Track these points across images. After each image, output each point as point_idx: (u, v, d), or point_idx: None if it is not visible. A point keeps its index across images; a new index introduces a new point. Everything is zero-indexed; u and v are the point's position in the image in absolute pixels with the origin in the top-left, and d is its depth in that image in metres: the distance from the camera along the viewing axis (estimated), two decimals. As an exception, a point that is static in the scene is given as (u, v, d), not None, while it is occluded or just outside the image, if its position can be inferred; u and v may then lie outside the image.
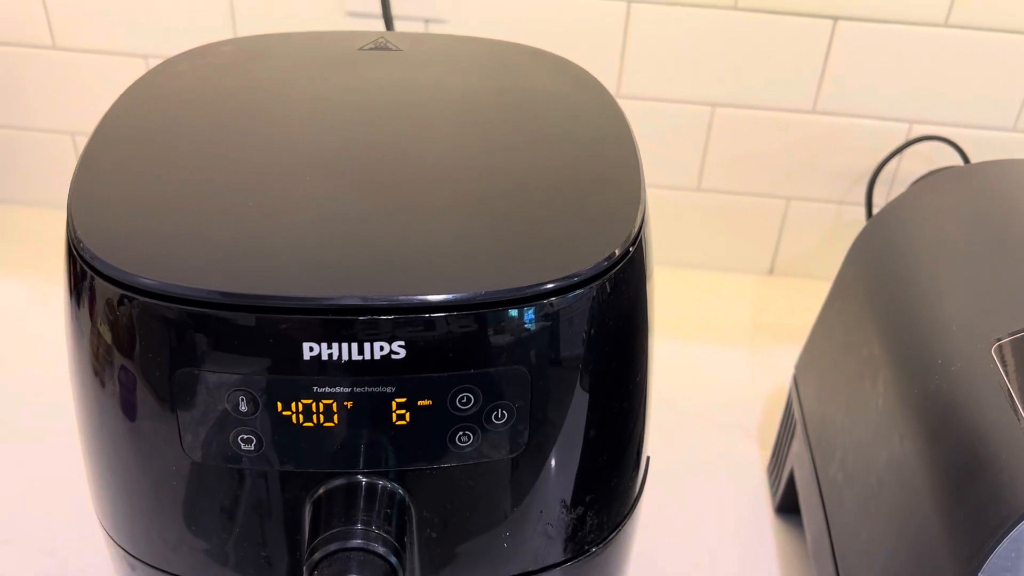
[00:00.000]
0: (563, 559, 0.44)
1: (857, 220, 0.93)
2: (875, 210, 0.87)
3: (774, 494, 0.74)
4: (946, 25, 0.83)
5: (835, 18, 0.83)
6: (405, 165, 0.44)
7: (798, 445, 0.67)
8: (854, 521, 0.54)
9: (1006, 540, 0.40)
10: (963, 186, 0.61)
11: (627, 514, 0.46)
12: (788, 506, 0.71)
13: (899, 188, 0.90)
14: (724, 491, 0.75)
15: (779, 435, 0.74)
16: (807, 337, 0.70)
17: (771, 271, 1.00)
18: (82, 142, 0.96)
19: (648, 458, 0.48)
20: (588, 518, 0.44)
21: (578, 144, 0.47)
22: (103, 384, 0.39)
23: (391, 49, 0.54)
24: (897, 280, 0.57)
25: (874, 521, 0.51)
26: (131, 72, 0.46)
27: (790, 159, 0.92)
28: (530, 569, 0.44)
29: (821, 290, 0.70)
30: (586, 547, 0.45)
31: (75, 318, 0.39)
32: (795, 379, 0.70)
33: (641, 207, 0.42)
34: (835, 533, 0.57)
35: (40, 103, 0.95)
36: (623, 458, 0.44)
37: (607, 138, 0.48)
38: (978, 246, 0.54)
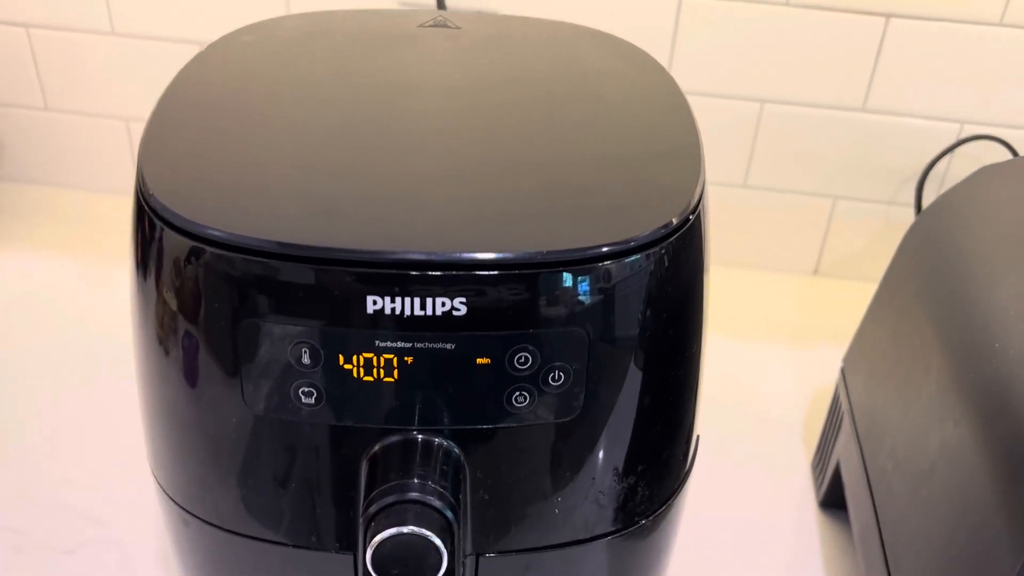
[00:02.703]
0: (613, 529, 0.44)
1: (905, 221, 0.92)
2: (924, 210, 0.87)
3: (818, 489, 0.73)
4: (1001, 24, 0.82)
5: (888, 15, 0.83)
6: (469, 132, 0.45)
7: (845, 438, 0.67)
8: (904, 508, 0.54)
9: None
10: (1018, 176, 0.61)
11: (677, 488, 0.46)
12: (832, 501, 0.71)
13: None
14: (768, 486, 0.74)
15: (824, 430, 0.73)
16: (855, 332, 0.70)
17: (815, 272, 0.99)
18: (136, 128, 0.98)
19: (698, 436, 0.48)
20: (640, 488, 0.44)
21: (638, 119, 0.48)
22: (168, 336, 0.40)
23: (450, 27, 0.55)
24: (951, 267, 0.56)
25: (925, 507, 0.51)
26: (187, 59, 0.47)
27: (838, 157, 0.91)
28: (580, 538, 0.44)
29: (866, 292, 0.69)
30: (636, 518, 0.45)
31: (141, 271, 0.40)
32: (843, 372, 0.70)
33: (700, 179, 0.43)
34: (883, 521, 0.56)
35: (96, 88, 0.97)
36: (676, 429, 0.44)
37: (666, 113, 0.48)
38: (1036, 233, 0.54)
